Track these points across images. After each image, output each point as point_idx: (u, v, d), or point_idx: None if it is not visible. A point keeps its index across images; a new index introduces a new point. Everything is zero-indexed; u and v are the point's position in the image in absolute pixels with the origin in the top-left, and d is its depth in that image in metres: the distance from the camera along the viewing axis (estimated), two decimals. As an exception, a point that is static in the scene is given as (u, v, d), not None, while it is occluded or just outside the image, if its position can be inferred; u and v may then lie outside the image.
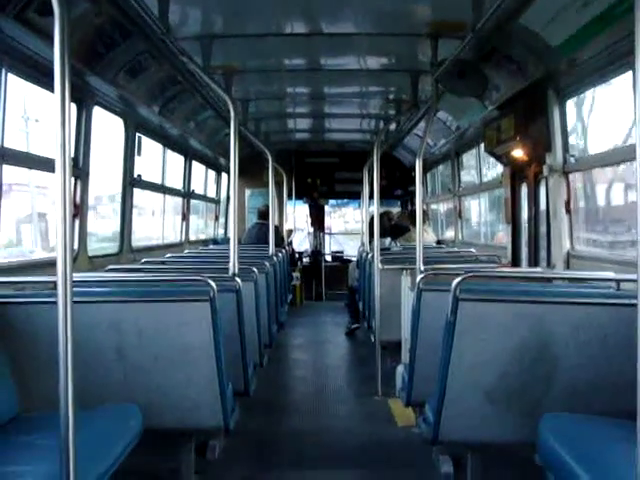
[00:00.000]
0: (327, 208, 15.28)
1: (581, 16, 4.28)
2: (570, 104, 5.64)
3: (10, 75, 4.42)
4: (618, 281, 3.77)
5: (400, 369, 4.98)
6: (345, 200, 16.41)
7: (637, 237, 2.10)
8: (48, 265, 4.86)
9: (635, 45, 2.00)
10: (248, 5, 5.05)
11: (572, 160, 5.55)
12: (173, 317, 3.71)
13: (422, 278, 4.38)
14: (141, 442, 3.36)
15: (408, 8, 5.19)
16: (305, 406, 6.40)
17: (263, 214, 10.25)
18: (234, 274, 4.60)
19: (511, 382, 3.50)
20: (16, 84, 4.56)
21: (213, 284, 3.70)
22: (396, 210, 12.82)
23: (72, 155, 5.31)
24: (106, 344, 3.65)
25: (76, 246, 5.67)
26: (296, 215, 14.41)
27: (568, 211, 5.69)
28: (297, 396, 6.91)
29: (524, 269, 6.61)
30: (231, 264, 4.64)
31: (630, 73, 4.31)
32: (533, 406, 3.43)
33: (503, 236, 8.15)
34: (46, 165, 4.94)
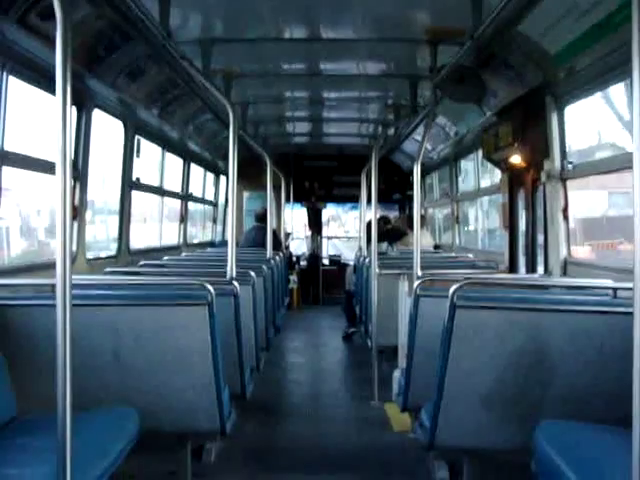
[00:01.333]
0: (326, 216, 15.25)
1: (579, 24, 4.31)
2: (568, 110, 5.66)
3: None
4: (615, 289, 3.78)
5: (397, 374, 4.99)
6: (347, 205, 16.28)
7: (634, 244, 2.11)
8: (46, 267, 4.86)
9: (632, 53, 2.02)
10: (248, 10, 5.09)
11: (570, 167, 5.56)
12: (171, 321, 3.71)
13: (419, 284, 4.39)
14: (138, 445, 3.36)
15: (407, 14, 5.22)
16: (302, 410, 6.41)
17: (261, 217, 10.13)
18: (232, 278, 4.60)
19: (507, 389, 3.51)
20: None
21: (211, 288, 3.70)
22: (394, 214, 12.84)
23: (72, 158, 5.32)
24: (103, 347, 3.66)
25: (74, 248, 5.67)
26: (294, 218, 14.40)
27: (565, 218, 5.69)
28: (294, 400, 6.92)
29: (521, 275, 6.62)
30: (229, 268, 4.63)
31: (628, 81, 4.33)
32: (529, 413, 3.44)
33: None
34: (45, 167, 4.95)
